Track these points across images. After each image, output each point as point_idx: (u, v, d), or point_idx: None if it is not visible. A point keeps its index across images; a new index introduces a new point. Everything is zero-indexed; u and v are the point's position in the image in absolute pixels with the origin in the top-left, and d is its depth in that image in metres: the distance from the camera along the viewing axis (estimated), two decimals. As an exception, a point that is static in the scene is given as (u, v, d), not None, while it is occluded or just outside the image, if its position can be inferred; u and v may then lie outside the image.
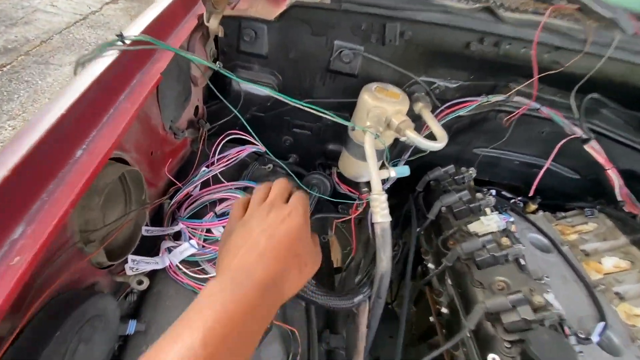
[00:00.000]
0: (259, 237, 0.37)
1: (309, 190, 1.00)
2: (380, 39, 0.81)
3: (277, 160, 0.99)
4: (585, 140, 1.07)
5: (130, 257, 0.52)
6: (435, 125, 0.82)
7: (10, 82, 2.66)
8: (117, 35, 0.50)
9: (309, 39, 0.84)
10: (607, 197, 1.18)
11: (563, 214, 1.21)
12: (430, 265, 1.02)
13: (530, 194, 1.13)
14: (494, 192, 1.18)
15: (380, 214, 0.68)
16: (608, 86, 0.94)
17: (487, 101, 1.01)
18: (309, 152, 1.13)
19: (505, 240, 0.84)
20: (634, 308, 0.92)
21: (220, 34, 0.75)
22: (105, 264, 0.51)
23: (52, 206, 0.39)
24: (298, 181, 1.00)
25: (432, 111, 0.95)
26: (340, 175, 1.10)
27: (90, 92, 0.47)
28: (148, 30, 0.56)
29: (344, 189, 1.06)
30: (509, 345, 0.68)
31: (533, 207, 1.25)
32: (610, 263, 1.04)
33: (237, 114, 0.77)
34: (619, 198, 1.12)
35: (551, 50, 0.83)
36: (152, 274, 0.61)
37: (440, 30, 0.79)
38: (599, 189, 1.23)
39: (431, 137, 0.82)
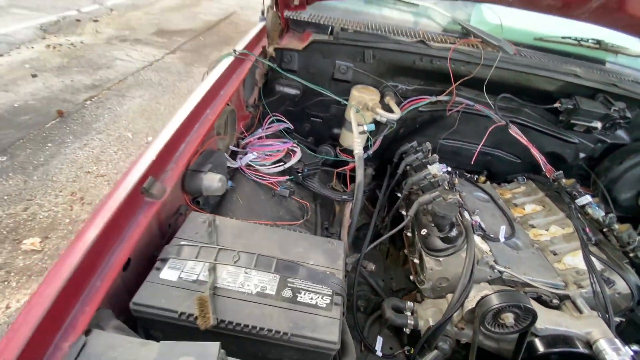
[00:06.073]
0: None
1: (317, 155, 1.56)
2: (361, 59, 1.42)
3: (300, 137, 1.57)
4: (507, 126, 1.58)
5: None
6: (394, 107, 1.38)
7: (97, 108, 3.48)
8: (233, 50, 1.12)
9: (321, 60, 1.46)
10: (539, 173, 1.64)
11: (505, 184, 1.71)
12: (403, 212, 1.51)
13: (472, 162, 1.63)
14: (457, 172, 1.71)
15: (357, 149, 1.23)
16: (510, 88, 1.48)
17: (436, 100, 1.56)
18: (321, 135, 1.71)
19: (442, 176, 1.35)
20: (539, 231, 1.38)
21: (273, 55, 1.37)
22: (224, 149, 1.08)
23: (207, 121, 0.96)
24: (311, 152, 1.57)
25: (398, 103, 1.52)
26: (342, 150, 1.66)
27: (224, 73, 1.07)
28: (245, 49, 1.19)
29: (343, 156, 1.61)
30: (433, 224, 1.16)
31: (482, 178, 1.75)
32: (530, 208, 1.52)
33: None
34: (543, 170, 1.59)
35: (464, 64, 1.40)
36: (235, 171, 1.17)
37: (396, 53, 1.38)
38: (535, 168, 1.71)
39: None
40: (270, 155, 1.24)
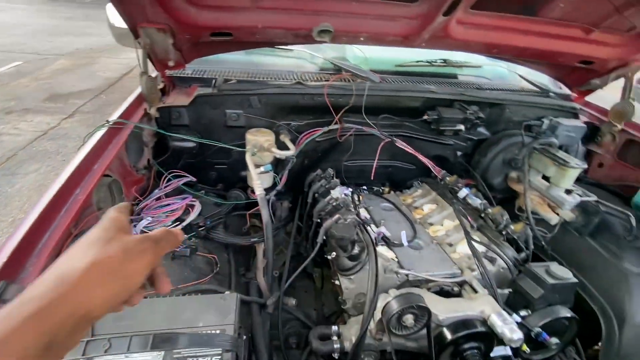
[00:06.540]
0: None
1: (223, 202, 1.56)
2: (249, 105, 1.50)
3: (207, 187, 1.57)
4: (393, 140, 1.77)
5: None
6: (289, 143, 1.47)
7: (-19, 194, 3.04)
8: (107, 121, 1.10)
9: (211, 111, 1.50)
10: (433, 175, 1.83)
11: (406, 190, 1.88)
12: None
13: (372, 178, 1.79)
14: (365, 187, 1.85)
15: (258, 191, 1.27)
16: (386, 109, 1.69)
17: (328, 129, 1.70)
18: (230, 180, 1.72)
19: (342, 198, 1.45)
20: (436, 227, 1.54)
21: (157, 116, 1.37)
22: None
23: (77, 201, 0.92)
24: (221, 200, 1.57)
25: (295, 139, 1.62)
26: (253, 191, 1.69)
27: (96, 145, 1.05)
28: (121, 117, 1.17)
29: (254, 196, 1.64)
30: (338, 246, 1.24)
31: (387, 189, 1.91)
32: (427, 208, 1.69)
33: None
34: (434, 172, 1.78)
35: (341, 97, 1.57)
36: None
37: (279, 96, 1.50)
38: (429, 172, 1.92)
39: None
40: (168, 215, 1.21)
